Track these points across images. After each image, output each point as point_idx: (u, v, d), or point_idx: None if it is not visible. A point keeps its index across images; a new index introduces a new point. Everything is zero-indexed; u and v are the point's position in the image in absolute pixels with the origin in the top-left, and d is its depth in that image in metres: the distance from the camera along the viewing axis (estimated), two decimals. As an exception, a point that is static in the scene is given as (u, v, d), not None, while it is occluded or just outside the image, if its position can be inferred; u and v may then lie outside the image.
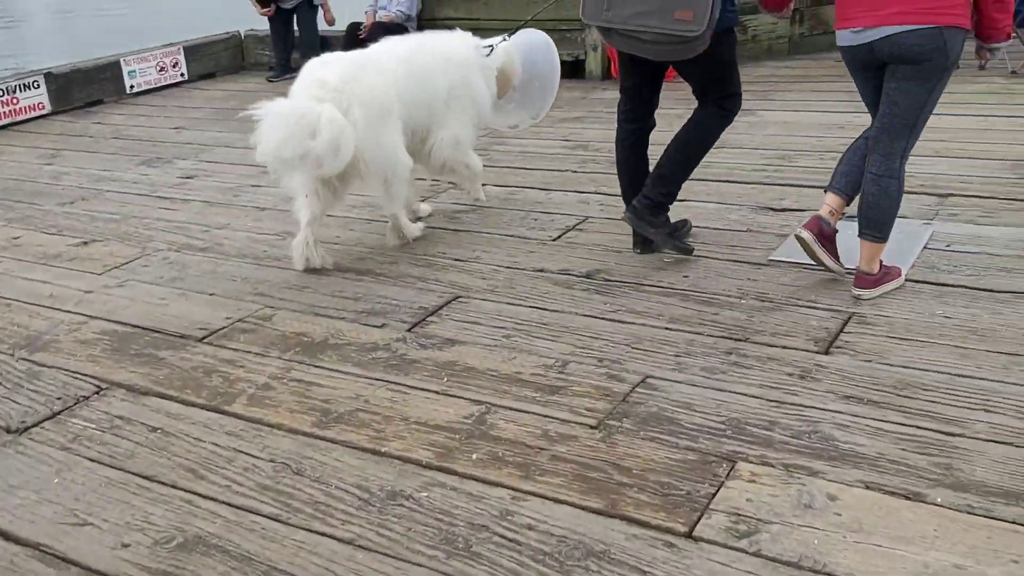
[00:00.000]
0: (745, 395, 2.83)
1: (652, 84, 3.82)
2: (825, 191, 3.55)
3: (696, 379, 2.95)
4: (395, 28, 8.72)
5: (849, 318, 3.30)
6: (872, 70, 3.29)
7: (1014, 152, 5.06)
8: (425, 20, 9.14)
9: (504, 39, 4.60)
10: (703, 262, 3.90)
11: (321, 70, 3.95)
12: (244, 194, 5.51)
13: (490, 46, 4.54)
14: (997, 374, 2.85)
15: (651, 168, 3.86)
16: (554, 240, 4.33)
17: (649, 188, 3.80)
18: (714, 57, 3.53)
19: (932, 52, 3.08)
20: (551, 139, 6.19)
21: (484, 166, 4.87)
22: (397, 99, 4.05)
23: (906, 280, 3.54)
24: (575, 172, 5.43)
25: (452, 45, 4.46)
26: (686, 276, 3.77)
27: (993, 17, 3.14)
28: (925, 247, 3.88)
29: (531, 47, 4.73)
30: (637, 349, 3.17)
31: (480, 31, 4.77)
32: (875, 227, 3.37)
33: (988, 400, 2.71)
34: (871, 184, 3.33)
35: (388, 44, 4.27)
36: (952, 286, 3.51)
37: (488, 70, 4.53)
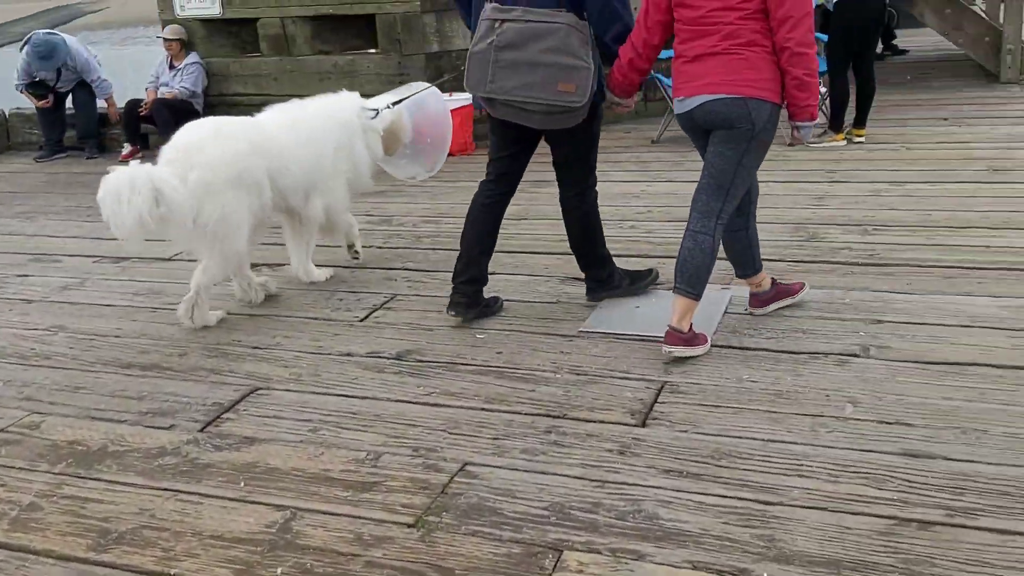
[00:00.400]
0: (567, 476, 2.74)
1: (526, 152, 3.94)
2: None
3: (517, 462, 2.84)
4: (179, 105, 8.34)
5: (662, 387, 3.31)
6: (700, 135, 3.56)
7: (794, 216, 5.32)
8: (213, 96, 8.81)
9: (389, 106, 4.67)
10: (516, 336, 3.84)
11: (183, 133, 4.09)
12: (9, 286, 4.99)
13: (375, 109, 4.62)
14: (806, 436, 2.91)
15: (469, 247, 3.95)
16: (361, 321, 4.15)
17: (591, 271, 4.12)
18: (588, 129, 3.76)
19: (737, 119, 3.36)
20: (353, 214, 6.00)
21: (283, 243, 4.74)
22: (261, 171, 4.12)
23: (712, 346, 3.61)
24: (380, 248, 5.29)
25: (338, 107, 4.57)
26: (499, 352, 3.68)
27: (794, 95, 3.35)
28: (726, 311, 3.99)
29: (421, 101, 4.81)
30: (454, 434, 3.03)
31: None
32: (688, 282, 3.51)
33: (800, 464, 2.75)
34: (688, 239, 3.52)
35: (275, 111, 4.46)
36: (755, 350, 3.60)
37: (372, 132, 4.62)
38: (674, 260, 3.55)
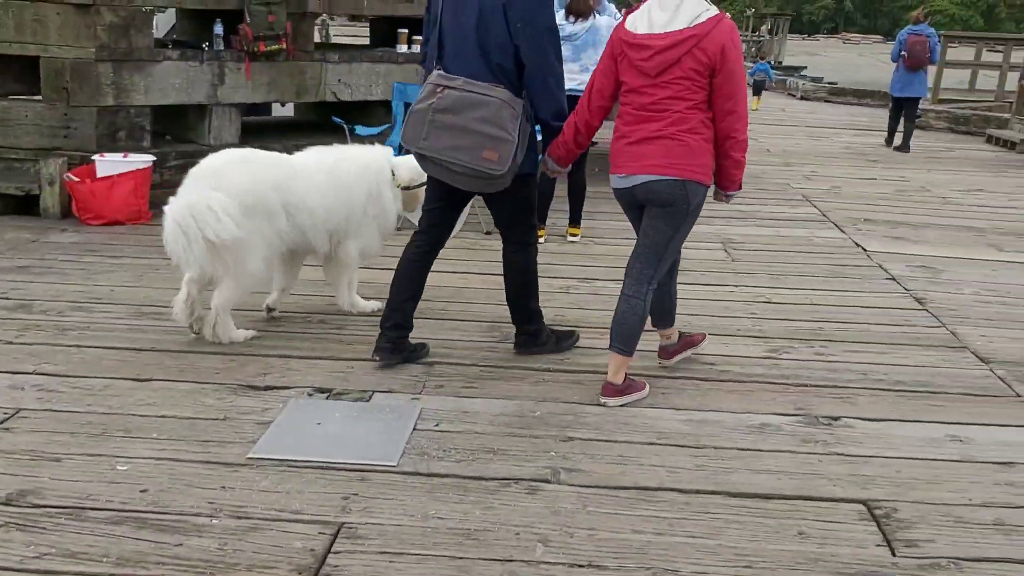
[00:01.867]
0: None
1: (454, 209, 4.39)
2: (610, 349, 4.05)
3: (152, 649, 2.31)
4: None
5: (338, 531, 2.91)
6: (635, 209, 4.02)
7: (490, 313, 5.14)
8: None
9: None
10: (167, 466, 3.27)
11: (214, 156, 4.47)
12: None
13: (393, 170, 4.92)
14: (494, 590, 2.64)
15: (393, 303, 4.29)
16: (-25, 447, 3.37)
17: (523, 325, 4.49)
18: (516, 195, 4.18)
19: (676, 199, 3.85)
20: (-10, 299, 5.08)
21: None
22: (277, 204, 4.46)
23: (399, 472, 3.29)
24: (10, 344, 4.42)
25: (372, 157, 4.89)
26: (145, 490, 3.10)
27: (732, 173, 3.95)
28: (415, 428, 3.69)
29: None
30: (73, 612, 2.44)
31: None
32: (622, 341, 4.01)
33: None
34: (623, 303, 4.00)
35: (312, 153, 4.78)
36: (443, 476, 3.31)
37: (394, 186, 4.93)
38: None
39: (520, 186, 4.13)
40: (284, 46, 7.89)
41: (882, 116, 15.44)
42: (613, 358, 4.02)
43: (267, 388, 4.03)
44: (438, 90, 3.95)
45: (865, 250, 7.08)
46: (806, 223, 8.02)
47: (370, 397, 3.98)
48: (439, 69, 4.03)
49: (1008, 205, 9.26)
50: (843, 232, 7.72)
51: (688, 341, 4.56)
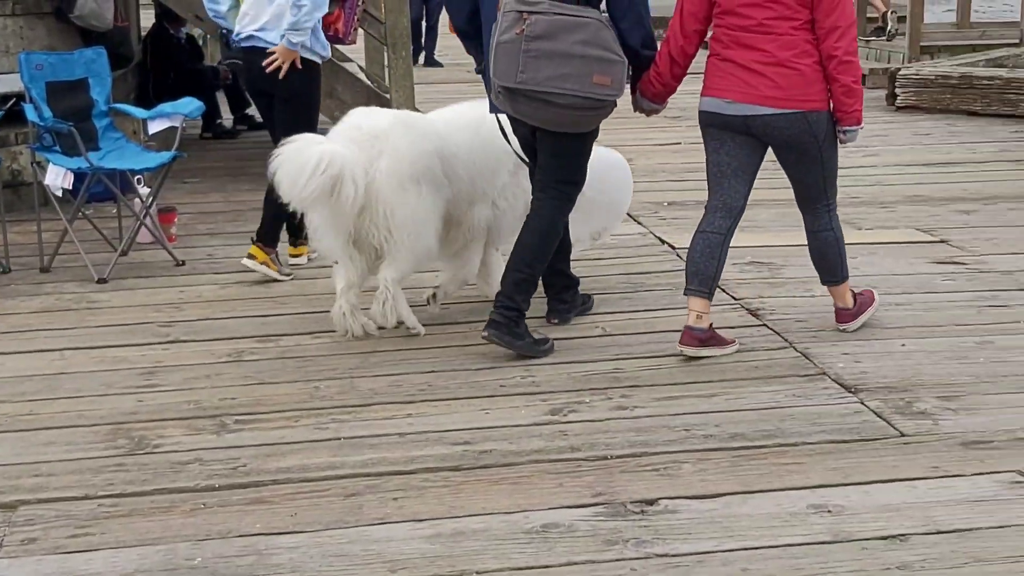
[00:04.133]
0: None
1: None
2: (686, 295, 5.40)
3: None
4: None
5: None
6: (736, 138, 5.28)
7: (108, 411, 5.02)
8: None
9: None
10: None
11: (362, 117, 5.82)
12: None
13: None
14: None
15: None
16: None
17: (510, 296, 5.34)
18: (588, 135, 5.44)
19: (801, 135, 5.18)
20: None
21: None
22: (444, 174, 5.74)
23: None
24: None
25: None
26: None
27: (843, 101, 5.13)
28: None
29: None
30: None
31: None
32: (830, 273, 5.62)
33: None
34: (811, 239, 5.60)
35: (449, 112, 6.12)
36: None
37: None
38: None
39: (591, 130, 5.42)
40: None
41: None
42: (832, 291, 5.67)
43: None
44: (523, 16, 4.99)
45: (673, 248, 7.38)
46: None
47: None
48: None
49: (862, 164, 9.95)
50: (640, 224, 8.06)
51: (863, 299, 5.83)
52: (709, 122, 5.31)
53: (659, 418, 4.78)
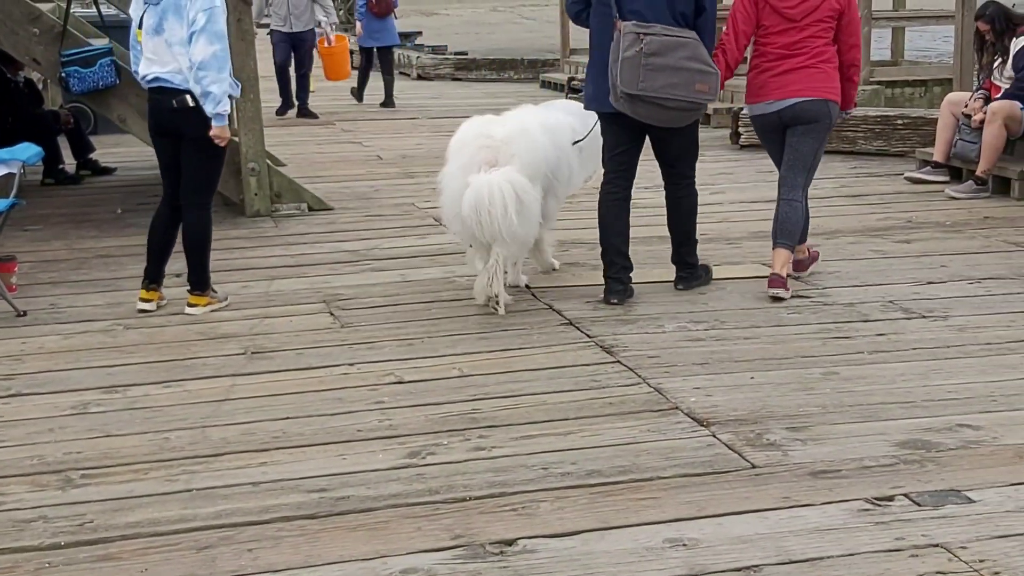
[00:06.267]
0: None
1: (638, 151, 7.09)
2: (775, 248, 7.06)
3: None
4: None
5: None
6: (775, 132, 7.18)
7: None
8: None
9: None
10: None
11: (487, 126, 7.00)
12: None
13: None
14: None
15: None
16: None
17: (687, 256, 7.26)
18: (694, 128, 7.15)
19: (820, 115, 7.00)
20: None
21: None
22: (546, 165, 7.04)
23: None
24: None
25: (569, 114, 7.57)
26: None
27: (851, 94, 7.23)
28: None
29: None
30: None
31: None
32: (787, 236, 7.04)
33: None
34: (783, 206, 7.07)
35: (527, 111, 7.37)
36: None
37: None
38: None
39: (695, 121, 7.06)
40: None
41: (529, 92, 16.45)
42: (779, 254, 6.98)
43: None
44: (640, 36, 6.49)
45: (528, 287, 7.39)
46: (442, 257, 8.29)
47: None
48: (625, 21, 6.56)
49: (709, 201, 10.06)
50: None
51: (814, 254, 7.61)
52: (760, 124, 7.34)
53: (517, 457, 4.79)
